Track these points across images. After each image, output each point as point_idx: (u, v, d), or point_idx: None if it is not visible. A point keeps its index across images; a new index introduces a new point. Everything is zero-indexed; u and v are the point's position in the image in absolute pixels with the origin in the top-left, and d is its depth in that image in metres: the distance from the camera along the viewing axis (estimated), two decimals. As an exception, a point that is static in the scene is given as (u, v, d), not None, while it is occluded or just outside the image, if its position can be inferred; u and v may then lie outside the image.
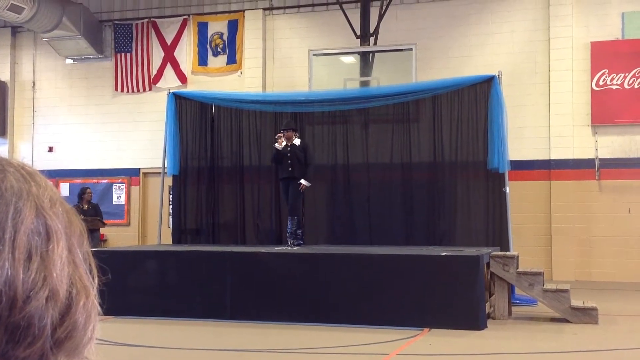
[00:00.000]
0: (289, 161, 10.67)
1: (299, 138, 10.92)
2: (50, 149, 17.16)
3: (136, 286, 9.34)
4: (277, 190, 12.19)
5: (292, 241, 10.66)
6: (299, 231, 10.83)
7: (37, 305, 0.61)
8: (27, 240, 0.63)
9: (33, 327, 0.61)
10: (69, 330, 0.63)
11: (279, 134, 10.87)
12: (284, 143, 10.67)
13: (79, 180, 16.13)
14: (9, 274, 0.60)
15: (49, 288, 0.62)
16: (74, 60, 17.00)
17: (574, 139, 13.80)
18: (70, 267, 0.65)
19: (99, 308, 0.68)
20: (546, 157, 13.90)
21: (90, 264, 0.70)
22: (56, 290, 0.63)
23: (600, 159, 13.63)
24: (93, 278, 0.69)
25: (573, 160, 13.76)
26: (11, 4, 14.15)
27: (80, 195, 13.58)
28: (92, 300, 0.67)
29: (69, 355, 0.64)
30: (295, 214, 10.76)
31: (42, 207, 0.65)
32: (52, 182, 0.72)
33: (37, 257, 0.63)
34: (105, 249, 11.99)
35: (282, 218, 12.16)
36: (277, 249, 10.20)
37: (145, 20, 16.47)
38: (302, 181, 10.63)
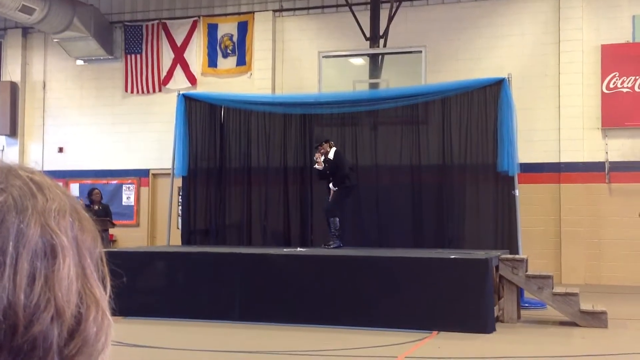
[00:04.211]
0: (330, 178, 10.96)
1: (333, 147, 10.95)
2: (60, 150, 17.24)
3: (145, 287, 9.36)
4: (285, 192, 12.22)
5: (331, 242, 10.73)
6: (338, 233, 10.83)
7: (40, 328, 0.60)
8: (30, 263, 0.61)
9: (37, 349, 0.60)
10: (79, 346, 0.63)
11: (315, 155, 10.95)
12: (321, 158, 10.84)
13: (88, 181, 16.20)
14: (10, 301, 0.59)
15: (54, 309, 0.61)
16: (85, 61, 17.08)
17: (584, 142, 13.75)
18: (79, 282, 0.64)
19: (110, 319, 0.67)
20: (556, 160, 13.86)
21: (102, 271, 0.69)
22: (62, 309, 0.62)
23: (611, 162, 13.58)
24: (105, 284, 0.69)
25: (583, 163, 13.71)
26: (22, 5, 14.23)
27: (89, 197, 13.64)
28: (102, 311, 0.66)
29: None
30: (331, 216, 10.88)
31: (48, 224, 0.63)
32: (62, 187, 0.70)
33: (40, 279, 0.61)
34: (115, 249, 12.03)
35: (290, 220, 12.18)
36: (286, 250, 10.20)
37: (155, 22, 16.52)
38: (330, 185, 11.00)
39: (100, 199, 13.91)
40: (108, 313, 0.67)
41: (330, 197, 11.05)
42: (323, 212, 11.18)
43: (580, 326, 8.66)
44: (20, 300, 0.60)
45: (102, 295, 0.67)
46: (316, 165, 10.99)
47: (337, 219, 10.87)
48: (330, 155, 10.89)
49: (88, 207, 12.89)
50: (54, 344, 0.61)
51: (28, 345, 0.60)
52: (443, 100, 11.57)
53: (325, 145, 10.90)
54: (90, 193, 13.74)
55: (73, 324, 0.62)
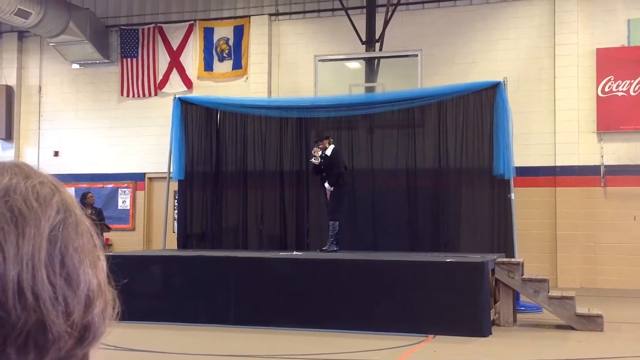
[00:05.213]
0: (324, 173, 10.95)
1: (332, 144, 11.02)
2: (56, 154, 17.21)
3: (140, 291, 9.33)
4: (282, 196, 12.22)
5: (327, 245, 10.76)
6: (336, 237, 10.85)
7: (99, 308, 0.66)
8: (89, 247, 0.67)
9: (94, 327, 0.66)
10: (107, 328, 0.69)
11: (314, 149, 10.96)
12: (319, 153, 10.85)
13: (84, 185, 16.16)
14: (89, 280, 0.65)
15: (102, 291, 0.68)
16: (80, 65, 17.06)
17: (580, 145, 13.78)
18: (104, 272, 0.70)
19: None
20: (551, 164, 13.88)
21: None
22: (106, 293, 0.68)
23: (606, 166, 13.60)
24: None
25: (578, 167, 13.74)
26: (18, 8, 14.21)
27: (82, 201, 13.52)
28: (113, 299, 0.72)
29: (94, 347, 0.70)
30: (333, 219, 10.91)
31: (83, 216, 0.70)
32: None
33: (94, 263, 0.67)
34: (110, 253, 12.00)
35: (286, 223, 12.17)
36: (282, 254, 10.19)
37: (151, 26, 16.51)
38: (326, 184, 10.93)
39: (93, 203, 13.82)
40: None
41: (328, 197, 11.01)
42: (328, 215, 11.19)
43: (576, 329, 8.67)
44: (93, 279, 0.66)
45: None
46: (312, 160, 10.99)
47: (337, 223, 10.87)
48: (328, 152, 10.90)
49: (83, 212, 12.79)
50: (102, 324, 0.67)
51: (90, 323, 0.65)
52: (439, 104, 11.58)
53: (325, 142, 10.93)
54: (83, 197, 13.66)
55: (104, 306, 0.68)
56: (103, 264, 0.69)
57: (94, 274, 0.66)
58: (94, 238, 0.69)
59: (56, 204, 0.66)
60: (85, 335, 0.65)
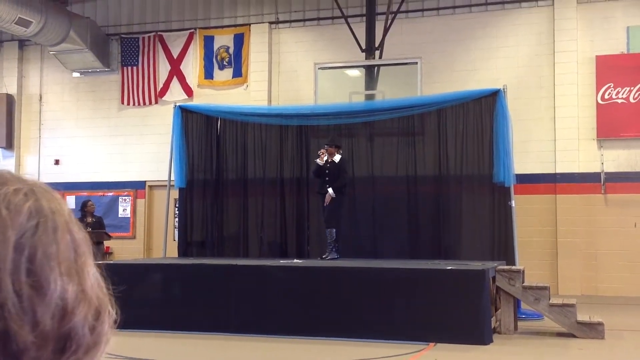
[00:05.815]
0: (327, 177, 10.88)
1: (340, 154, 11.01)
2: (57, 162, 17.22)
3: (141, 299, 9.32)
4: (282, 204, 12.22)
5: (327, 253, 10.75)
6: (335, 245, 10.84)
7: (80, 316, 0.65)
8: (67, 254, 0.65)
9: (76, 336, 0.64)
10: (98, 338, 0.67)
11: (321, 150, 10.97)
12: (325, 157, 10.85)
13: (84, 193, 16.17)
14: (61, 287, 0.63)
15: (86, 300, 0.66)
16: (81, 73, 17.09)
17: (580, 152, 13.79)
18: (95, 279, 0.69)
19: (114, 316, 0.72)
20: (552, 171, 13.88)
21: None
22: (92, 301, 0.66)
23: (606, 173, 13.61)
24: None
25: (579, 174, 13.74)
26: (19, 17, 14.25)
27: (83, 209, 13.52)
28: (110, 308, 0.71)
29: None
30: (329, 226, 10.87)
31: (68, 223, 0.68)
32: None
33: (74, 270, 0.66)
34: (111, 261, 12.00)
35: (287, 231, 12.17)
36: (283, 262, 10.19)
37: (151, 34, 16.55)
38: (329, 190, 10.79)
39: (93, 211, 13.82)
40: (112, 310, 0.72)
41: (326, 203, 10.94)
42: (324, 223, 11.17)
43: (577, 337, 8.65)
44: (68, 288, 0.65)
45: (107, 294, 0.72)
46: (317, 160, 10.99)
47: (334, 230, 10.87)
48: (336, 159, 10.91)
49: (81, 220, 12.80)
50: (87, 333, 0.65)
51: (70, 333, 0.64)
52: (439, 111, 11.60)
53: (334, 149, 10.93)
54: (84, 205, 13.66)
55: (95, 317, 0.67)
56: (89, 271, 0.67)
57: (72, 282, 0.64)
58: (81, 245, 0.68)
59: (27, 210, 0.64)
60: (66, 345, 0.63)
